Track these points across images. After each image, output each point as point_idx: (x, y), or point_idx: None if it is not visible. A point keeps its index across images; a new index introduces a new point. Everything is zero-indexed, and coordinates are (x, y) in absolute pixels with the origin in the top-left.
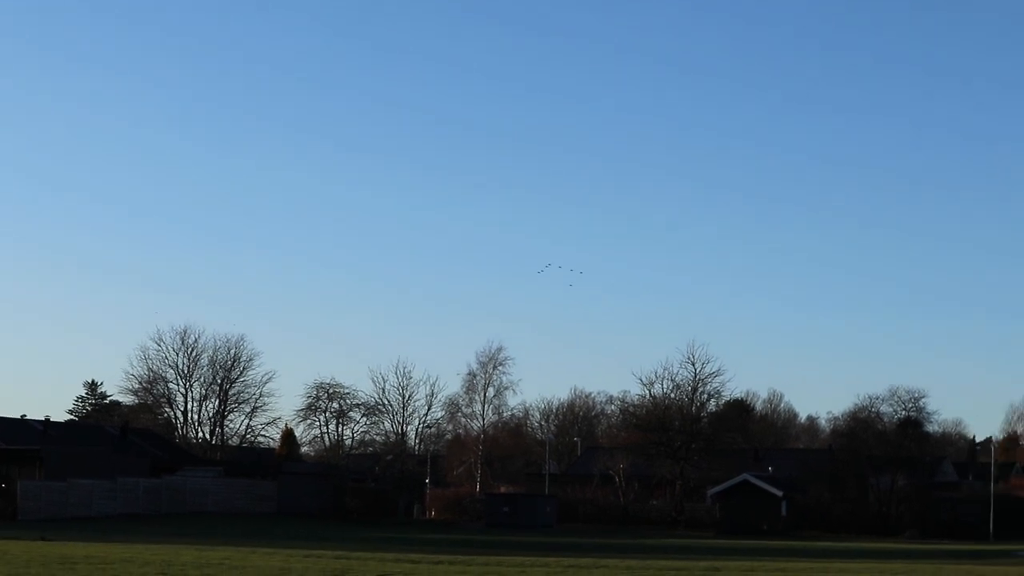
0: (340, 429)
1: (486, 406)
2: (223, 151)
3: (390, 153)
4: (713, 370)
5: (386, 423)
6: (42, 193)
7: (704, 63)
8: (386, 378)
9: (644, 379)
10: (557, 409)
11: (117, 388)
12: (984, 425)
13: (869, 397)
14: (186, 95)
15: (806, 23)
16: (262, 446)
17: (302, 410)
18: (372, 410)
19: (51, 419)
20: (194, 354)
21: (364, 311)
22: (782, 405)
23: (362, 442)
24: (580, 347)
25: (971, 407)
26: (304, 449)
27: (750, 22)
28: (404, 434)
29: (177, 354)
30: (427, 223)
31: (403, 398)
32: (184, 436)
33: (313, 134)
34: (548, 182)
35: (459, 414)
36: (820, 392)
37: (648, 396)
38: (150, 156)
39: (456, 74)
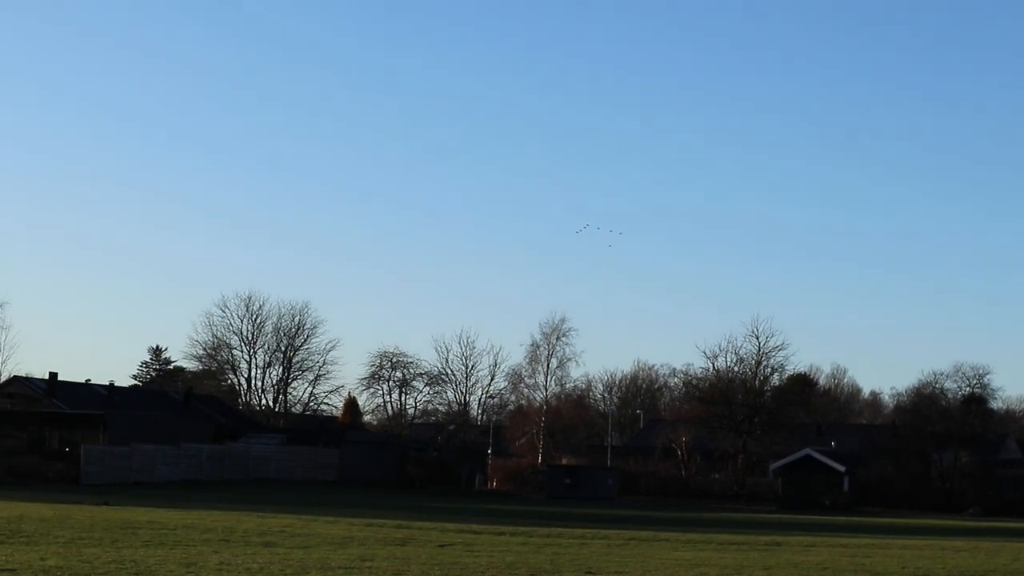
0: (403, 398)
1: (549, 377)
2: (288, 117)
3: (453, 117)
4: (777, 344)
5: (449, 393)
6: (108, 161)
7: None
8: (450, 348)
9: (708, 352)
10: (620, 381)
11: (181, 354)
12: None
13: (933, 373)
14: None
15: None
16: (325, 414)
17: (365, 379)
18: (435, 380)
19: (115, 384)
20: (258, 321)
21: (429, 280)
22: (845, 380)
23: (425, 412)
24: (644, 319)
25: None
26: (367, 418)
27: None
28: (467, 404)
29: (242, 321)
30: (492, 190)
31: (466, 368)
32: (247, 403)
33: (380, 98)
34: (611, 151)
35: (522, 385)
36: (884, 368)
37: (711, 369)
38: (214, 126)
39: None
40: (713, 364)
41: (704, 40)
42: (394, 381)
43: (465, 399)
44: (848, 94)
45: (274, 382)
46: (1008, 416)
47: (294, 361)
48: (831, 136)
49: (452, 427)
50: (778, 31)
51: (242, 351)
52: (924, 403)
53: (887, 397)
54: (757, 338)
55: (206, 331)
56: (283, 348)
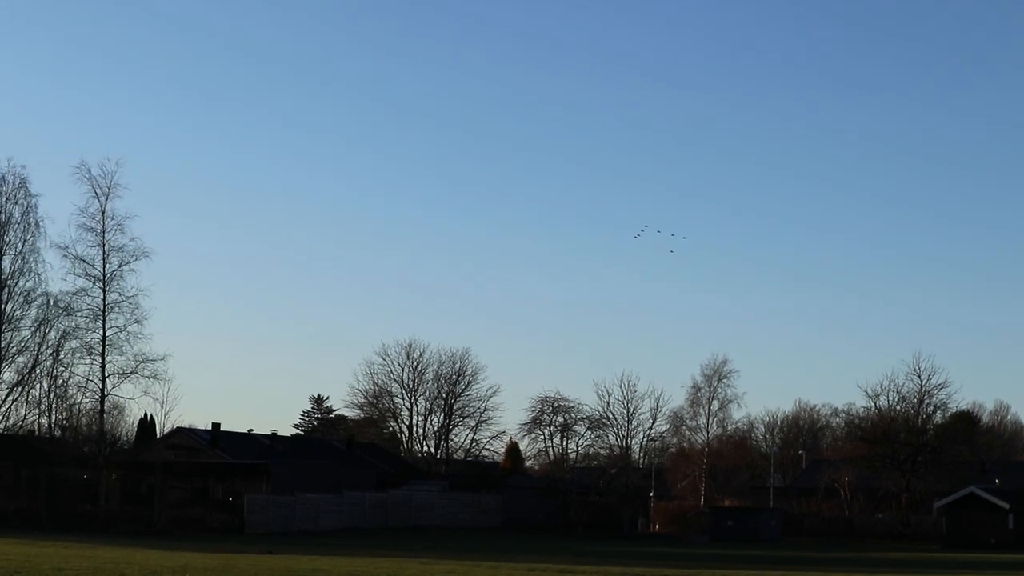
0: (564, 443)
1: (710, 419)
2: (454, 160)
3: (622, 164)
4: (939, 382)
5: (610, 436)
6: (276, 205)
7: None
8: (611, 391)
9: (869, 391)
10: (782, 422)
11: (343, 402)
12: None
13: None
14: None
15: None
16: (487, 459)
17: (527, 424)
18: (597, 424)
19: (278, 434)
20: (419, 368)
21: (590, 324)
22: (1009, 417)
23: (586, 455)
24: (805, 359)
25: None
26: (528, 463)
27: None
28: (628, 447)
29: (402, 368)
30: (672, 243)
31: (628, 411)
32: (409, 450)
33: (552, 143)
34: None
35: (683, 427)
36: None
37: (873, 408)
38: (377, 169)
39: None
40: (875, 403)
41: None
42: (555, 426)
43: (627, 442)
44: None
45: (435, 429)
46: None
47: (455, 407)
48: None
49: (614, 470)
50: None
51: (403, 398)
52: None
53: None
54: (919, 376)
55: (367, 379)
56: (444, 395)
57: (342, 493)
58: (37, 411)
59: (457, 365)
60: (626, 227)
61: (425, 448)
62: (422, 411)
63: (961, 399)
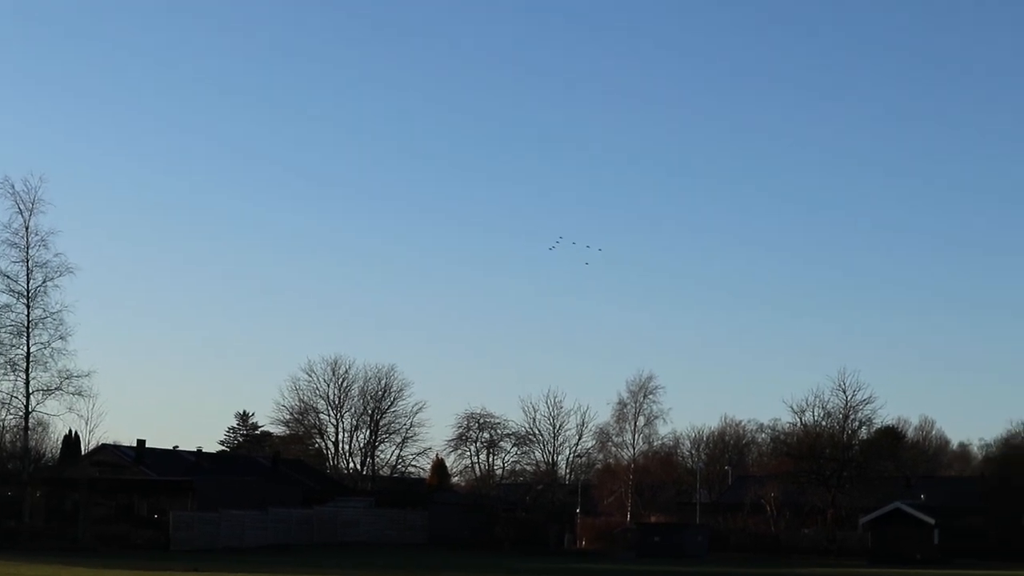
0: (491, 459)
1: (637, 435)
2: (377, 179)
3: (540, 177)
4: (864, 397)
5: (537, 453)
6: (200, 223)
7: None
8: (537, 408)
9: (795, 407)
10: (708, 437)
11: (268, 419)
12: None
13: (1022, 423)
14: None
15: None
16: (413, 476)
17: (453, 440)
18: (523, 440)
19: (203, 450)
20: (345, 384)
21: (516, 340)
22: (934, 432)
23: (512, 472)
24: (730, 375)
25: None
26: (455, 479)
27: None
28: (555, 463)
29: (328, 385)
30: (575, 250)
31: (554, 428)
32: (335, 466)
33: (472, 158)
34: (692, 205)
35: (609, 443)
36: (972, 419)
37: (799, 424)
38: (301, 187)
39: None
40: (800, 418)
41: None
42: (481, 442)
43: (553, 459)
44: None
45: (361, 445)
46: None
47: (381, 424)
48: (906, 180)
49: (540, 487)
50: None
51: (329, 415)
52: (1013, 453)
53: (976, 448)
54: (844, 391)
55: (293, 396)
56: (370, 411)
57: (267, 510)
58: None
59: (383, 381)
60: (550, 241)
61: (351, 465)
62: (348, 427)
63: (886, 414)
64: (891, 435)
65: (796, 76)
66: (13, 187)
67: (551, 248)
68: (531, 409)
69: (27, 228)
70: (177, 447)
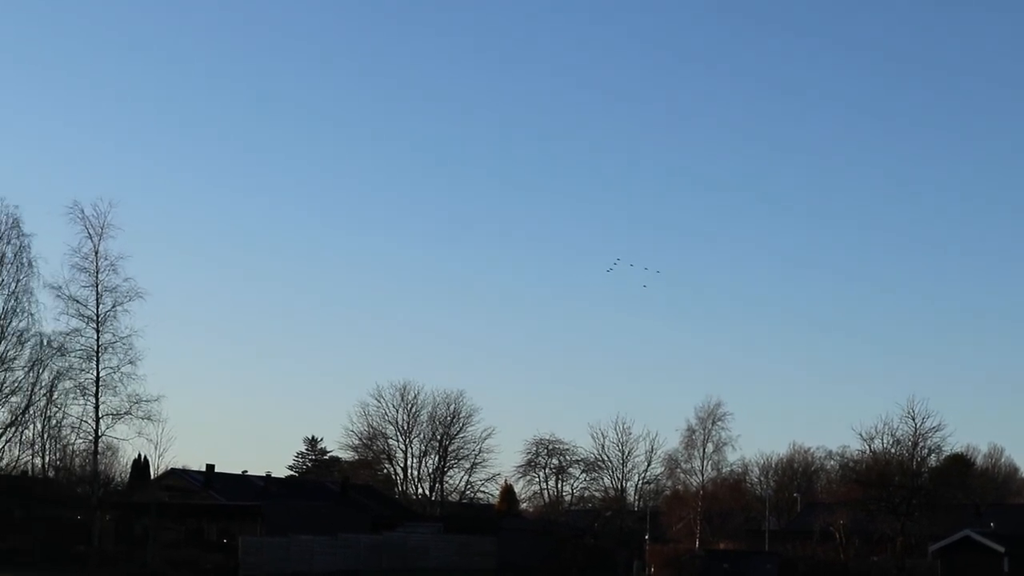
0: (559, 485)
1: (705, 462)
2: (449, 207)
3: (608, 203)
4: (934, 425)
5: (605, 479)
6: (271, 248)
7: None
8: (606, 434)
9: (864, 434)
10: (776, 464)
11: (337, 444)
12: None
13: None
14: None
15: None
16: (481, 502)
17: (522, 466)
18: (592, 466)
19: (272, 475)
20: (414, 410)
21: (585, 366)
22: (1003, 460)
23: (581, 498)
24: (799, 402)
25: None
26: (523, 505)
27: None
28: (623, 490)
29: (397, 410)
30: (639, 275)
31: (623, 454)
32: (404, 492)
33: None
34: (763, 232)
35: (678, 470)
36: None
37: (868, 451)
38: (374, 213)
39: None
40: (870, 446)
41: None
42: (550, 468)
43: (622, 485)
44: None
45: (430, 471)
46: None
47: (450, 450)
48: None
49: (609, 513)
50: None
51: (398, 440)
52: None
53: None
54: (913, 419)
55: (362, 421)
56: (439, 437)
57: (337, 535)
58: (31, 452)
59: (452, 407)
60: (622, 270)
61: (420, 490)
62: (417, 453)
63: (955, 442)
64: (960, 462)
65: (874, 106)
66: (83, 212)
67: (608, 270)
68: (600, 435)
69: (96, 253)
70: (246, 472)
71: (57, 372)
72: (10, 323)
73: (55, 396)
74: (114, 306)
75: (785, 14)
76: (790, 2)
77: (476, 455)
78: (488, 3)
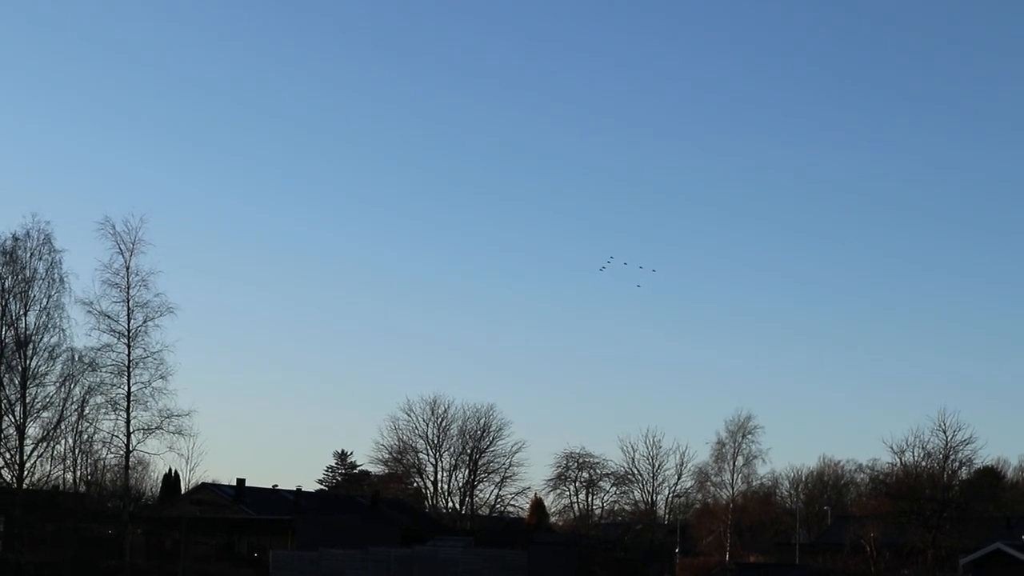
0: (590, 499)
1: (735, 475)
2: (474, 224)
3: (645, 221)
4: (964, 438)
5: (636, 492)
6: (300, 263)
7: None
8: (636, 447)
9: (894, 447)
10: (806, 477)
11: (367, 458)
12: None
13: None
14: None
15: None
16: (511, 515)
17: (552, 479)
18: (622, 479)
19: (302, 489)
20: (444, 424)
21: (615, 379)
22: None
23: (611, 511)
24: (829, 415)
25: None
26: (554, 519)
27: None
28: (654, 503)
29: (427, 424)
30: (675, 290)
31: (653, 467)
32: (434, 506)
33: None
34: (794, 246)
35: (708, 483)
36: None
37: (899, 464)
38: (403, 228)
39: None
40: (900, 459)
41: None
42: (580, 482)
43: (652, 498)
44: None
45: (460, 485)
46: None
47: (480, 463)
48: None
49: (639, 527)
50: None
51: (428, 454)
52: None
53: None
54: (944, 432)
55: (392, 435)
56: (469, 451)
57: (367, 549)
58: (62, 466)
59: (482, 421)
60: (645, 281)
61: (450, 504)
62: (447, 467)
63: (986, 455)
64: (991, 475)
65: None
66: (114, 227)
67: (601, 269)
68: (630, 448)
69: (128, 268)
70: (276, 486)
71: (88, 387)
72: (42, 338)
73: (86, 411)
74: (145, 321)
75: (783, 18)
76: (783, 7)
77: (506, 469)
78: (483, 9)
